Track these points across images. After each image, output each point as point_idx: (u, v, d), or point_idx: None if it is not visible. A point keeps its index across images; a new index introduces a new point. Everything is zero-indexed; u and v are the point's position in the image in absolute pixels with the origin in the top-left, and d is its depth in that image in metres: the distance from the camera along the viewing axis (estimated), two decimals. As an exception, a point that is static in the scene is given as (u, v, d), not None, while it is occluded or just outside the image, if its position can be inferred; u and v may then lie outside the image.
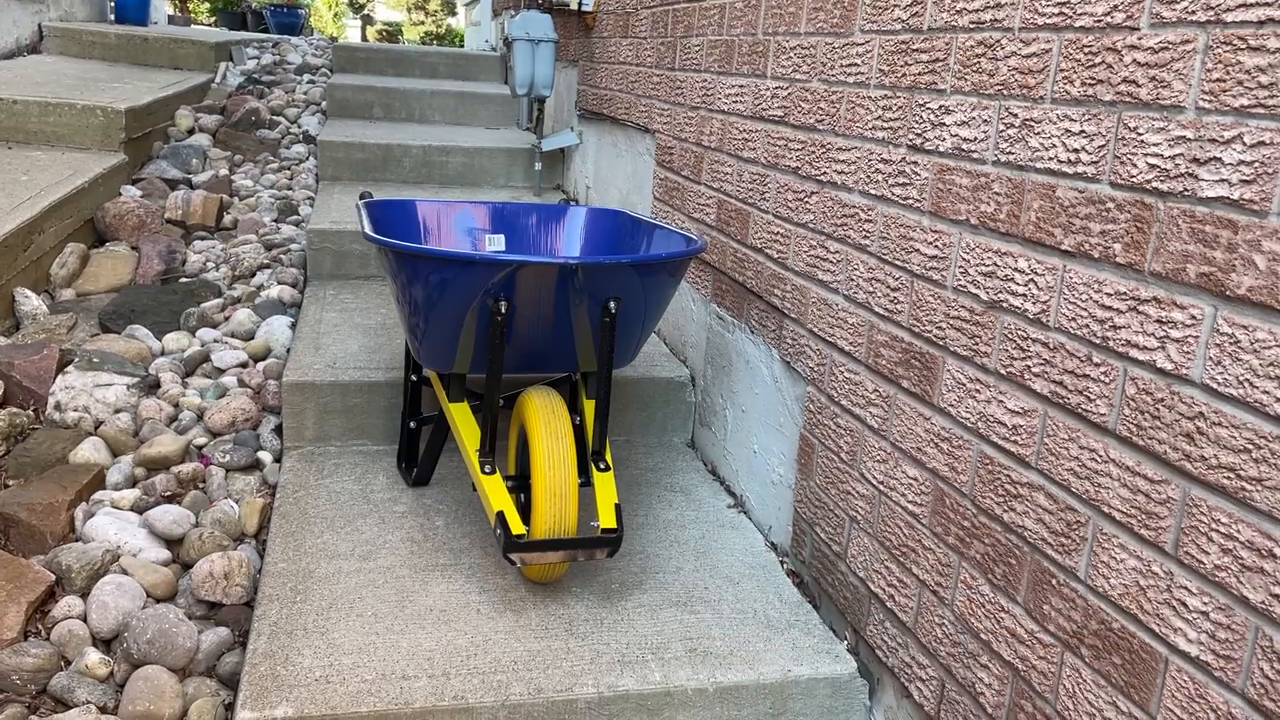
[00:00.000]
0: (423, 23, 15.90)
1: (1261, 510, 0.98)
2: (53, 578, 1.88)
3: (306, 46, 6.53)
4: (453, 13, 15.69)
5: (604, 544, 1.76)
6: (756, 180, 2.21)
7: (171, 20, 8.94)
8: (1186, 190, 1.07)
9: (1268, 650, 0.97)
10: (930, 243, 1.55)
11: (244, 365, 2.68)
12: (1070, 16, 1.25)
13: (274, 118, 4.79)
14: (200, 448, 2.35)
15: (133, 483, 2.22)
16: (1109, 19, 1.19)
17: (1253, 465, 0.99)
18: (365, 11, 15.32)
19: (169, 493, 2.18)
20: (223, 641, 1.80)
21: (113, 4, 6.68)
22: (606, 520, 1.79)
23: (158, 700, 1.64)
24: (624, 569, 1.97)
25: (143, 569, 1.92)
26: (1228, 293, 1.02)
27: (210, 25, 10.85)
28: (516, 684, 1.59)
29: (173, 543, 2.04)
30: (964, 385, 1.46)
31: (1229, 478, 1.02)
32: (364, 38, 14.33)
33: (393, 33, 14.97)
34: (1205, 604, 1.04)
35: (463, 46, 9.35)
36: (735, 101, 2.33)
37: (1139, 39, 1.14)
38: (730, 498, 2.34)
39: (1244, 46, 1.00)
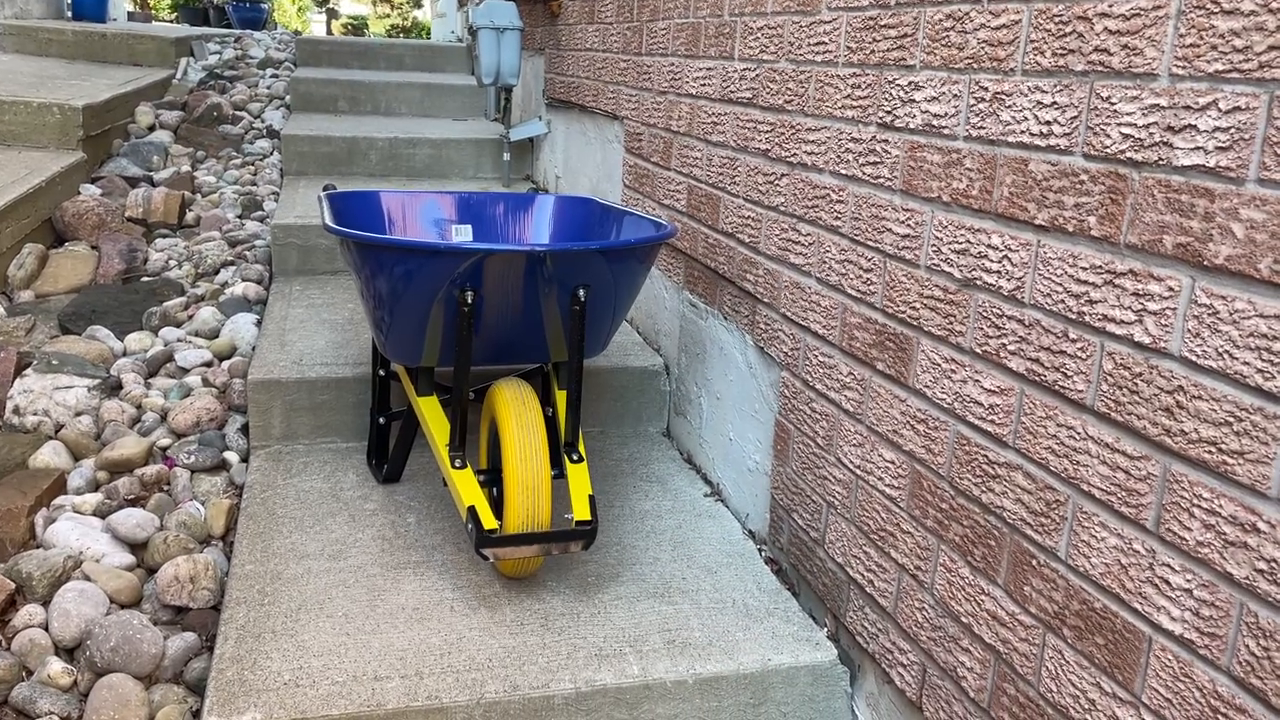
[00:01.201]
0: (388, 15, 15.74)
1: (1244, 484, 0.96)
2: (13, 586, 1.82)
3: (269, 41, 6.43)
4: (418, 5, 15.54)
5: (578, 536, 1.73)
6: (726, 164, 2.18)
7: (131, 17, 8.79)
8: (1161, 160, 1.05)
9: (1253, 627, 0.95)
10: (902, 222, 1.52)
11: (208, 364, 2.62)
12: (1039, -14, 1.23)
13: (237, 113, 4.71)
14: (164, 449, 2.30)
15: (95, 487, 2.17)
16: (1079, -13, 1.16)
17: (1234, 438, 0.97)
18: (330, 5, 15.15)
19: (132, 496, 2.13)
20: (189, 647, 1.75)
21: (70, 1, 6.55)
22: (580, 512, 1.76)
23: (123, 709, 1.59)
24: (600, 561, 1.94)
25: (106, 575, 1.87)
26: (1205, 263, 1.00)
27: (172, 21, 10.68)
28: (492, 681, 1.56)
29: (137, 547, 1.99)
30: (939, 365, 1.44)
31: (1210, 452, 1.00)
32: (329, 31, 14.18)
33: (358, 26, 14.82)
34: (1188, 581, 1.03)
35: (429, 39, 9.26)
36: (703, 85, 2.30)
37: (1110, 6, 1.12)
38: (707, 486, 2.31)
39: (1217, 10, 0.98)
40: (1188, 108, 1.01)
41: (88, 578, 1.87)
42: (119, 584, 1.86)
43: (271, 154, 4.34)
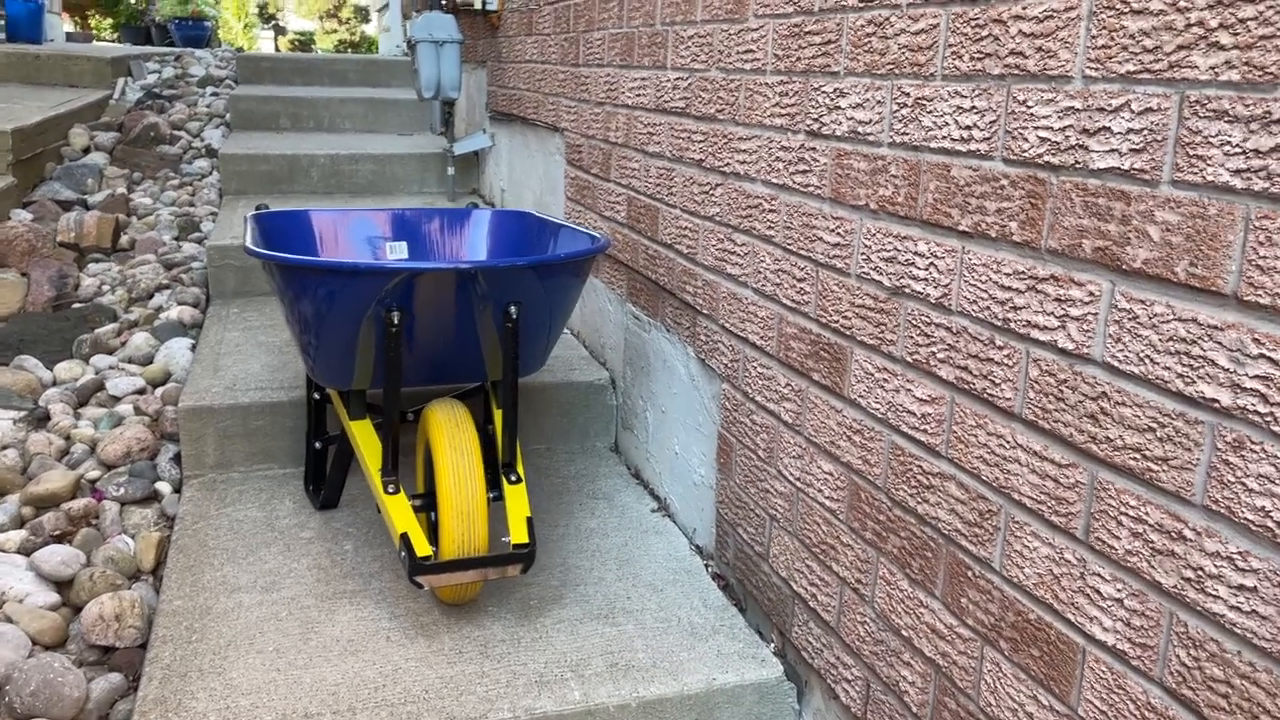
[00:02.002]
0: (335, 31, 15.60)
1: (1169, 491, 0.94)
2: (-71, 632, 1.75)
3: (210, 58, 6.34)
4: (366, 20, 15.42)
5: (516, 560, 1.69)
6: (663, 175, 2.16)
7: (71, 38, 8.63)
8: (1078, 163, 1.03)
9: (1183, 636, 0.94)
10: (832, 230, 1.50)
11: (141, 392, 2.55)
12: (956, -11, 1.21)
13: (175, 132, 4.63)
14: (93, 482, 2.22)
15: (20, 523, 2.09)
16: (994, -10, 1.15)
17: (1158, 444, 0.95)
18: (276, 21, 14.99)
19: (59, 531, 2.06)
20: (115, 688, 1.69)
21: (3, 23, 6.42)
22: (518, 535, 1.72)
23: (41, 758, 1.52)
24: (543, 583, 1.90)
25: (28, 615, 1.80)
26: (1124, 266, 0.98)
27: (114, 41, 10.51)
28: (427, 714, 1.51)
29: (62, 585, 1.92)
30: (872, 375, 1.42)
31: (1135, 459, 0.98)
32: (276, 48, 14.02)
33: (305, 42, 14.67)
34: (1119, 591, 1.01)
35: (376, 53, 9.18)
36: (638, 95, 2.27)
37: (1024, 8, 1.10)
38: (654, 501, 2.28)
39: (1127, 10, 0.97)
40: (1101, 109, 1.00)
41: (9, 619, 1.80)
42: (42, 625, 1.79)
43: (210, 174, 4.26)
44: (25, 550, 2.00)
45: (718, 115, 1.88)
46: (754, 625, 1.82)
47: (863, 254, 1.43)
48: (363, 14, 15.68)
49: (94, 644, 1.78)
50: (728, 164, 1.84)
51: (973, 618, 1.23)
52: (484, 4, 3.59)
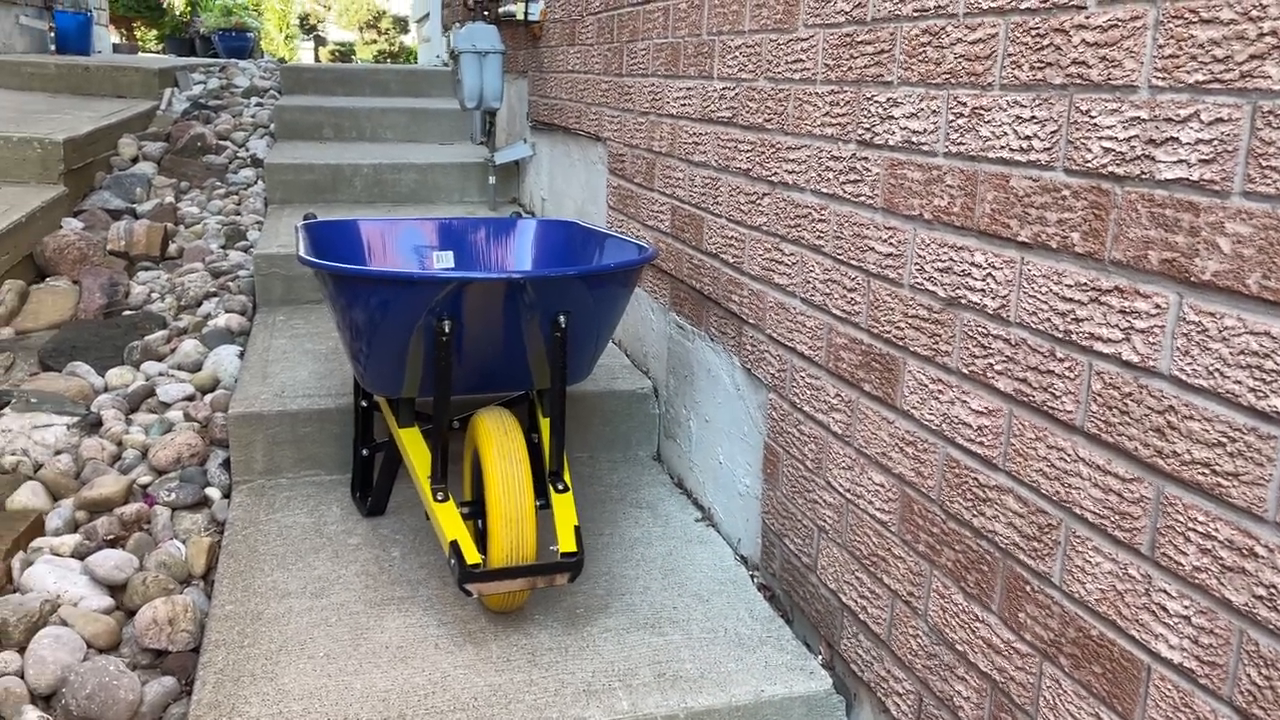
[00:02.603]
0: (375, 42, 15.77)
1: (1239, 507, 0.93)
2: (-12, 633, 1.78)
3: (254, 69, 6.42)
4: (405, 31, 15.58)
5: (564, 569, 1.69)
6: (709, 184, 2.16)
7: (117, 49, 8.79)
8: (1144, 173, 1.02)
9: (1254, 655, 0.92)
10: (884, 240, 1.49)
11: (190, 398, 2.58)
12: (1015, -1, 1.20)
13: (221, 142, 4.69)
14: (144, 487, 2.26)
15: (74, 527, 2.13)
16: (1055, -1, 1.14)
17: (1228, 460, 0.93)
18: (317, 32, 15.18)
19: (111, 536, 2.09)
20: (168, 692, 1.71)
21: (53, 35, 6.55)
22: (566, 544, 1.72)
23: (98, 760, 1.55)
24: (589, 592, 1.90)
25: (83, 619, 1.83)
26: (1192, 279, 0.97)
27: (158, 53, 10.69)
28: (477, 722, 1.52)
29: (116, 589, 1.94)
30: (926, 386, 1.40)
31: (1204, 474, 0.96)
32: (316, 58, 14.20)
33: (345, 53, 14.84)
34: (1186, 608, 0.99)
35: (416, 64, 9.27)
36: (684, 105, 2.28)
37: (1087, 18, 1.09)
38: (698, 511, 2.27)
39: (1196, 19, 0.95)
40: (1169, 120, 0.99)
41: (65, 622, 1.83)
42: (97, 628, 1.82)
43: (255, 183, 4.31)
44: (79, 554, 2.03)
45: (765, 125, 1.87)
46: (801, 637, 1.81)
47: (916, 264, 1.42)
48: (401, 25, 15.84)
49: (147, 647, 1.80)
50: (775, 173, 1.84)
51: (1031, 633, 1.21)
52: (526, 15, 3.61)
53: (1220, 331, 0.94)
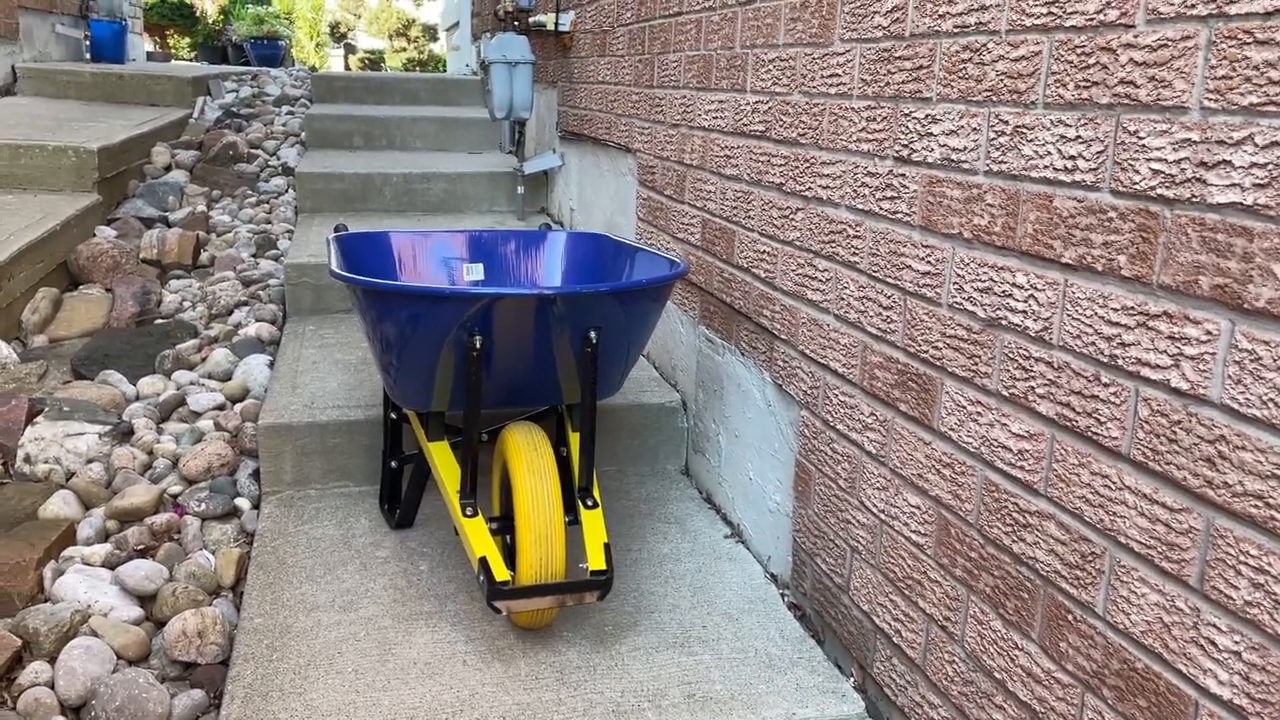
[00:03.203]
0: (404, 49, 15.88)
1: (1295, 542, 0.90)
2: (19, 642, 1.79)
3: (285, 78, 6.47)
4: (434, 39, 15.66)
5: (593, 586, 1.68)
6: (740, 198, 2.14)
7: (151, 57, 8.89)
8: (1195, 197, 0.99)
9: (1309, 695, 0.89)
10: (922, 258, 1.47)
11: (221, 408, 2.59)
12: (1060, 16, 1.18)
13: (252, 151, 4.73)
14: (175, 497, 2.26)
15: (104, 537, 2.14)
16: (1101, 17, 1.11)
17: (1283, 493, 0.91)
18: (347, 40, 15.29)
19: (142, 546, 2.10)
20: (197, 705, 1.71)
21: (88, 43, 6.62)
22: (595, 561, 1.71)
23: (127, 773, 1.55)
24: (617, 609, 1.88)
25: (113, 630, 1.83)
26: (1245, 306, 0.94)
27: (191, 60, 10.80)
28: (505, 741, 1.50)
29: (146, 599, 1.95)
30: (964, 408, 1.38)
31: (1256, 506, 0.94)
32: (346, 66, 14.31)
33: (375, 61, 14.95)
34: (1236, 643, 0.96)
35: (445, 72, 9.31)
36: (715, 118, 2.26)
37: (1135, 37, 1.07)
38: (727, 527, 2.26)
39: (1250, 40, 0.93)
40: (1221, 142, 0.96)
41: (95, 633, 1.83)
42: (126, 639, 1.82)
43: (286, 192, 4.34)
44: (110, 564, 2.04)
45: (799, 139, 1.86)
46: (833, 658, 1.78)
47: (955, 283, 1.39)
48: (430, 33, 15.94)
49: (176, 659, 1.80)
50: (809, 188, 1.82)
51: (1073, 663, 1.18)
52: (557, 26, 3.62)
53: (1275, 360, 0.91)
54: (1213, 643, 0.99)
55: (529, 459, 1.73)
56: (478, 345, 1.68)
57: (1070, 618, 1.19)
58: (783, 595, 1.97)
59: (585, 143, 3.56)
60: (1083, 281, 1.15)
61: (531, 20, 3.77)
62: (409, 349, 1.72)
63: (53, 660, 1.78)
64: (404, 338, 1.70)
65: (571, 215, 3.84)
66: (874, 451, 1.63)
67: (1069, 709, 1.19)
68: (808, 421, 1.87)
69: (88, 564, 2.02)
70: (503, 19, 3.96)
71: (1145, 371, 1.06)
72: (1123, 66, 1.09)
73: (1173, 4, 1.02)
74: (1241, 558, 0.96)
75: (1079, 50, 1.15)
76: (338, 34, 15.32)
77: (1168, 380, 1.03)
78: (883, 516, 1.61)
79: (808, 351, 1.85)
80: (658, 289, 1.81)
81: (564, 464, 1.97)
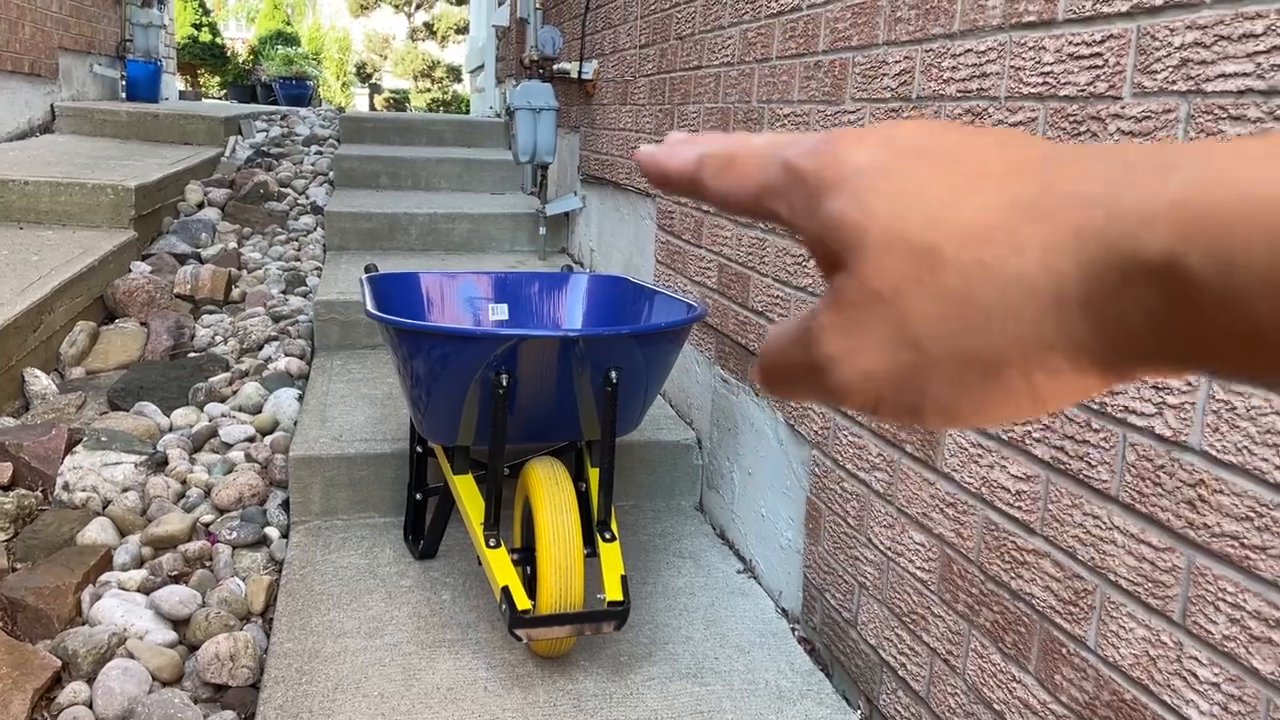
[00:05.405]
0: (429, 90, 16.18)
1: (1267, 579, 0.97)
2: (59, 663, 1.87)
3: (314, 118, 6.64)
4: (458, 79, 15.96)
5: (611, 617, 1.74)
6: (755, 244, 2.23)
7: (183, 96, 9.12)
8: (1176, 257, 1.07)
9: (1282, 723, 0.95)
10: (927, 307, 1.55)
11: (251, 440, 2.68)
12: (1054, 85, 1.27)
13: (282, 189, 4.86)
14: (207, 525, 2.35)
15: (140, 563, 2.22)
16: (1091, 88, 1.20)
17: (1256, 534, 0.98)
18: (373, 80, 15.60)
19: (176, 572, 2.18)
20: (229, 725, 1.78)
21: (124, 83, 6.82)
22: (613, 593, 1.78)
23: (163, 789, 1.62)
24: (633, 640, 1.95)
25: (149, 652, 1.91)
26: (1222, 359, 1.01)
27: (221, 99, 11.06)
28: (524, 764, 1.57)
29: (179, 623, 2.03)
30: (966, 450, 1.45)
31: (1233, 546, 1.00)
32: (372, 106, 14.61)
33: (400, 100, 15.25)
34: (1216, 675, 1.03)
35: (468, 113, 9.50)
36: (732, 167, 2.35)
37: (1122, 108, 1.15)
38: (740, 562, 2.32)
39: (1225, 116, 1.01)
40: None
41: (131, 655, 1.91)
42: (161, 661, 1.90)
43: (315, 230, 4.47)
44: (144, 589, 2.12)
45: (813, 191, 1.94)
46: (841, 691, 1.84)
47: (958, 332, 1.47)
48: (455, 74, 16.24)
49: (209, 681, 1.88)
50: (822, 238, 1.91)
51: (1067, 694, 1.25)
52: (580, 74, 3.74)
53: (1248, 410, 0.99)
54: (1194, 675, 1.05)
55: (550, 493, 1.81)
56: (504, 383, 1.77)
57: (1064, 651, 1.25)
58: (793, 629, 2.03)
59: (606, 186, 3.67)
60: (1075, 333, 1.23)
61: (555, 68, 3.90)
62: (438, 386, 1.80)
63: (90, 681, 1.85)
64: (434, 375, 1.79)
65: (591, 256, 3.94)
66: (881, 490, 1.70)
67: (1063, 739, 1.25)
68: (818, 460, 1.94)
69: (124, 589, 2.11)
70: (528, 67, 4.09)
71: (1132, 419, 1.14)
72: (1110, 135, 1.17)
73: (1155, 79, 1.10)
74: (1220, 594, 1.02)
75: (1071, 118, 1.24)
76: (364, 74, 15.63)
77: (1152, 427, 1.11)
78: (889, 553, 1.68)
79: (819, 393, 1.93)
80: (676, 331, 1.90)
81: (583, 498, 2.04)
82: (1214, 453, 1.03)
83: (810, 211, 0.28)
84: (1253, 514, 0.98)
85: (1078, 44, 1.22)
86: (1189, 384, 1.06)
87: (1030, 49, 1.30)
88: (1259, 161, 0.22)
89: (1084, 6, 1.21)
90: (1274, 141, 0.22)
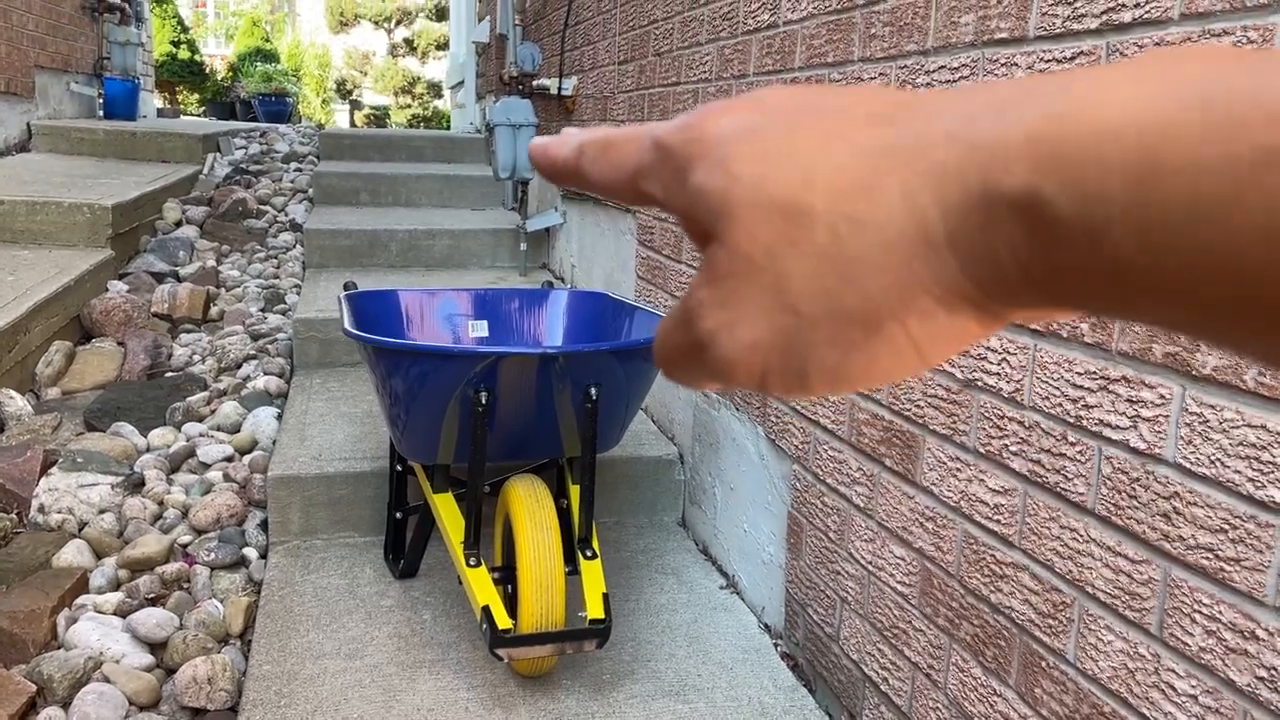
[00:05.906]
0: (409, 106, 16.18)
1: (1241, 591, 0.97)
2: (34, 688, 1.84)
3: (294, 134, 6.63)
4: (438, 95, 15.97)
5: (592, 635, 1.74)
6: (734, 260, 2.23)
7: (161, 113, 9.08)
8: (1148, 271, 1.08)
9: (1258, 735, 0.96)
10: (905, 322, 1.56)
11: (229, 459, 2.66)
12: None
13: (261, 207, 4.84)
14: (185, 546, 2.33)
15: (116, 585, 2.19)
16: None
17: (1230, 545, 0.98)
18: (353, 97, 15.59)
19: (153, 594, 2.16)
20: (206, 750, 1.76)
21: (101, 101, 6.79)
22: (594, 611, 1.77)
23: (139, 815, 1.59)
24: (615, 658, 1.94)
25: (125, 676, 1.89)
26: (1194, 372, 1.02)
27: (200, 116, 11.02)
28: (506, 785, 1.56)
29: (156, 647, 2.00)
30: (945, 464, 1.46)
31: (1208, 558, 1.01)
32: (352, 122, 14.59)
33: (380, 117, 15.23)
34: (1193, 687, 1.03)
35: (449, 129, 9.50)
36: (711, 183, 2.36)
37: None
38: (722, 578, 2.32)
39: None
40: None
41: (107, 679, 1.89)
42: (138, 685, 1.87)
43: (294, 247, 4.45)
44: (121, 612, 2.09)
45: (791, 206, 1.95)
46: (824, 707, 1.84)
47: (935, 346, 1.48)
48: (435, 89, 16.25)
49: (186, 705, 1.85)
50: (800, 253, 1.91)
51: (1047, 708, 1.25)
52: (559, 90, 3.75)
53: (1220, 423, 0.99)
54: (1172, 687, 1.06)
55: (531, 510, 1.80)
56: (484, 401, 1.76)
57: (1044, 664, 1.25)
58: (776, 645, 2.03)
59: (586, 202, 3.67)
60: (1050, 346, 1.23)
61: (535, 84, 3.90)
62: (417, 404, 1.79)
63: (66, 706, 1.83)
64: (412, 393, 1.78)
65: (572, 271, 3.94)
66: (862, 505, 1.70)
67: (1044, 752, 1.25)
68: (799, 475, 1.94)
69: (100, 612, 2.08)
70: (508, 83, 4.10)
71: (1107, 432, 1.14)
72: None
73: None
74: (1196, 606, 1.03)
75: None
76: (344, 90, 15.62)
77: (1127, 440, 1.11)
78: (870, 568, 1.68)
79: (799, 408, 1.93)
80: (655, 348, 1.89)
81: (564, 515, 2.04)
82: (1188, 465, 1.03)
83: (680, 186, 0.28)
84: (1226, 526, 0.99)
85: (1049, 60, 1.23)
86: (1163, 397, 1.06)
87: (1002, 65, 1.32)
88: (1111, 87, 0.21)
89: (1055, 24, 1.22)
90: (1128, 66, 0.22)
